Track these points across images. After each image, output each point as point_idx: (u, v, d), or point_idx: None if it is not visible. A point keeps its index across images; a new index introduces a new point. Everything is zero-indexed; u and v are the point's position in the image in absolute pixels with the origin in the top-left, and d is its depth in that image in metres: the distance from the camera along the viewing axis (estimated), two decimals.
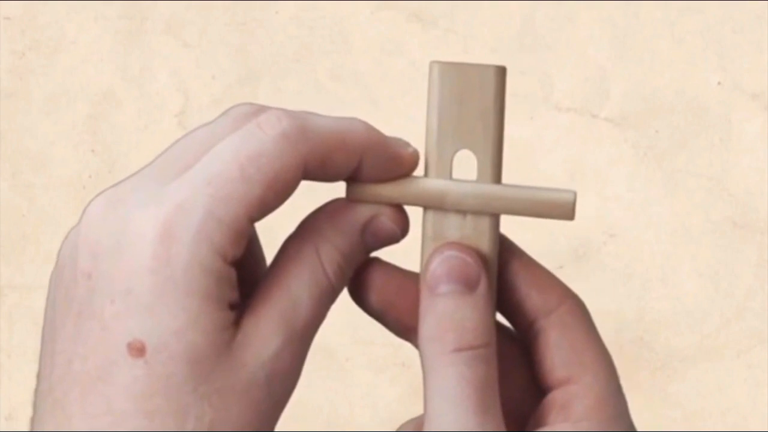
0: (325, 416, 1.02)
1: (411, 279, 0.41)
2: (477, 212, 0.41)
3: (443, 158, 0.41)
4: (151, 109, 1.06)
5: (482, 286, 0.40)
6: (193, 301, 0.36)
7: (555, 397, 0.41)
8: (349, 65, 1.05)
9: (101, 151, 1.06)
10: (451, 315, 0.39)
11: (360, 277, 0.41)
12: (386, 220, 0.40)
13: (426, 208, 0.41)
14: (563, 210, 0.41)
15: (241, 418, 0.36)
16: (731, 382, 1.01)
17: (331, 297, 0.39)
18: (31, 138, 1.06)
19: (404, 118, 1.01)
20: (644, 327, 1.02)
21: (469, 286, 0.40)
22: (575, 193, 0.41)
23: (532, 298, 0.41)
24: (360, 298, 0.41)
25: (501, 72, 0.40)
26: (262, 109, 0.39)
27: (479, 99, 0.40)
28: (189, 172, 0.38)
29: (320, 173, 0.39)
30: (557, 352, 0.41)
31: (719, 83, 1.03)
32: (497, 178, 0.41)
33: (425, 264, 0.40)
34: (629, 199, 1.03)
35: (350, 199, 0.41)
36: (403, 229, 0.40)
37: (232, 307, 0.37)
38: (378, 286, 0.41)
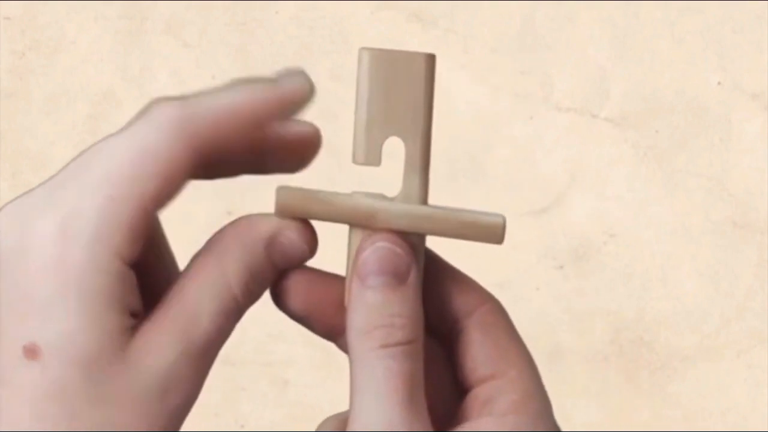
0: (325, 416, 1.02)
1: (333, 280, 0.41)
2: (406, 232, 0.40)
3: (372, 145, 0.41)
4: None
5: (412, 278, 0.40)
6: (88, 303, 0.36)
7: (478, 393, 0.41)
8: (349, 65, 1.05)
9: None
10: (381, 309, 0.39)
11: (282, 285, 0.41)
12: (291, 234, 0.40)
13: (353, 226, 0.41)
14: (492, 233, 0.40)
15: (133, 427, 0.36)
16: (731, 382, 1.01)
17: (236, 313, 0.39)
18: (31, 138, 1.06)
19: None
20: (644, 327, 1.02)
21: (399, 278, 0.40)
22: (504, 218, 0.40)
23: (453, 299, 0.41)
24: (283, 304, 0.42)
25: (430, 59, 0.40)
26: (160, 100, 0.39)
27: (409, 86, 0.40)
28: (84, 174, 0.38)
29: (219, 158, 0.39)
30: (480, 351, 0.41)
31: (719, 83, 1.03)
32: (425, 166, 0.41)
33: (355, 253, 0.40)
34: (629, 199, 1.03)
35: (277, 214, 0.40)
36: (311, 246, 0.40)
37: (132, 312, 0.37)
38: (301, 293, 0.41)
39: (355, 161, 0.41)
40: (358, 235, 0.41)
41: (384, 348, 0.39)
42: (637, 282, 1.02)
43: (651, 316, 1.02)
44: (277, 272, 0.40)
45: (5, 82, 1.07)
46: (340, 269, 0.42)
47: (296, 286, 0.41)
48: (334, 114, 1.06)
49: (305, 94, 0.41)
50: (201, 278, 0.39)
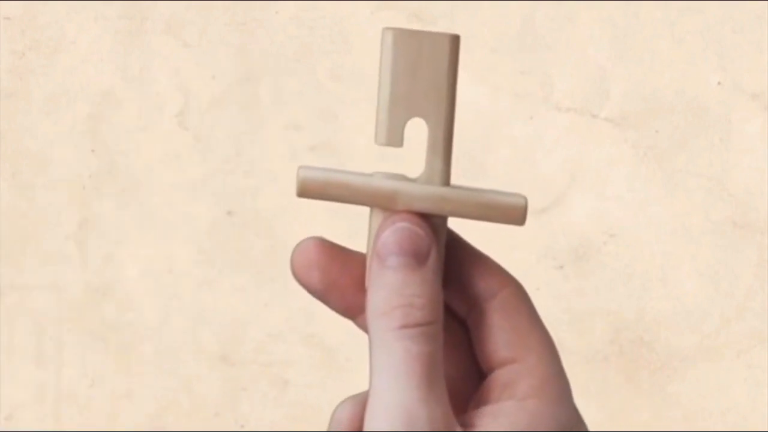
0: (325, 416, 1.02)
1: (355, 257, 0.41)
2: (427, 214, 0.40)
3: (394, 126, 0.40)
4: (151, 109, 1.06)
5: (432, 259, 0.40)
6: None
7: (498, 376, 0.41)
8: (349, 65, 1.05)
9: (101, 151, 1.06)
10: (401, 289, 0.39)
11: (302, 258, 0.41)
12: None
13: (374, 207, 0.40)
14: (514, 215, 0.40)
15: None
16: (731, 382, 1.01)
17: None
18: (31, 138, 1.06)
19: None
20: (644, 327, 1.02)
21: (419, 259, 0.39)
22: (526, 198, 0.40)
23: (475, 282, 0.41)
24: (304, 278, 0.41)
25: (455, 40, 0.40)
26: None
27: (433, 67, 0.40)
28: None
29: None
30: (501, 334, 0.41)
31: (719, 83, 1.03)
32: (448, 147, 0.40)
33: (376, 233, 0.40)
34: (629, 199, 1.03)
35: (300, 194, 0.40)
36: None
37: None
38: (322, 265, 0.41)
39: (377, 142, 0.40)
40: (379, 216, 0.40)
41: (403, 329, 0.39)
42: (637, 282, 1.02)
43: (651, 316, 1.02)
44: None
45: (5, 82, 1.07)
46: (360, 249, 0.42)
47: (317, 260, 0.41)
48: (334, 114, 1.06)
49: None
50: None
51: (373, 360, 0.39)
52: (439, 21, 1.04)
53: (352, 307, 0.41)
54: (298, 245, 0.41)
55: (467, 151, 1.03)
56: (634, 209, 1.03)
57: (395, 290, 0.39)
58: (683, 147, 1.03)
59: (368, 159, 1.03)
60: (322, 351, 1.00)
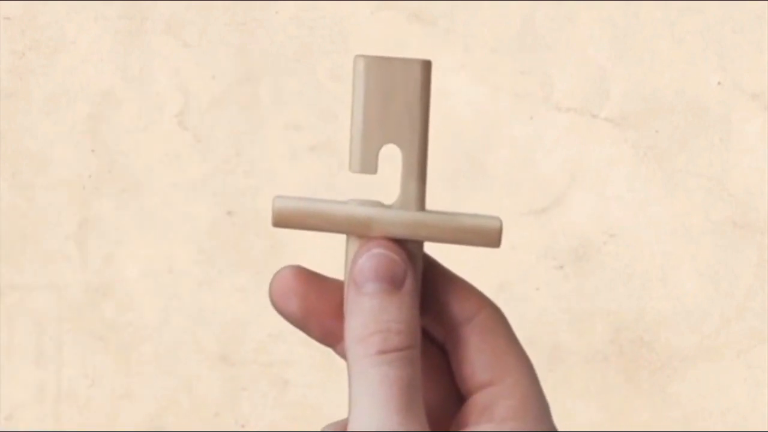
0: (325, 416, 1.02)
1: (333, 284, 0.41)
2: (403, 239, 0.40)
3: (368, 153, 0.40)
4: (151, 109, 1.06)
5: (408, 285, 0.40)
6: None
7: (477, 400, 0.41)
8: (349, 65, 1.05)
9: (101, 151, 1.06)
10: (377, 315, 0.39)
11: (280, 287, 0.41)
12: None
13: (350, 235, 0.40)
14: (490, 237, 0.40)
15: None
16: (731, 382, 1.01)
17: None
18: (31, 138, 1.06)
19: None
20: (644, 327, 1.02)
21: (395, 284, 0.40)
22: (501, 221, 0.40)
23: (451, 306, 0.41)
24: (283, 307, 0.41)
25: (426, 66, 0.40)
26: None
27: (405, 93, 0.40)
28: None
29: None
30: (479, 357, 0.41)
31: (719, 83, 1.03)
32: (422, 172, 0.40)
33: (352, 260, 0.40)
34: (629, 199, 1.03)
35: (275, 224, 0.40)
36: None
37: None
38: (300, 293, 0.41)
39: (351, 170, 0.41)
40: (355, 243, 0.40)
41: (380, 354, 0.39)
42: (637, 282, 1.02)
43: (651, 316, 1.02)
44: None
45: (5, 82, 1.07)
46: (338, 276, 0.42)
47: (295, 288, 0.41)
48: (334, 114, 1.06)
49: None
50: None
51: (352, 386, 0.39)
52: (439, 21, 1.04)
53: (331, 335, 0.42)
54: (276, 273, 0.42)
55: (467, 151, 1.03)
56: (634, 209, 1.03)
57: (372, 316, 0.39)
58: (683, 147, 1.03)
59: None
60: (322, 351, 1.00)
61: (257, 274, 1.01)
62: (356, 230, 0.40)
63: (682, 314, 1.02)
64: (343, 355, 0.41)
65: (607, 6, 1.03)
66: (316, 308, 0.41)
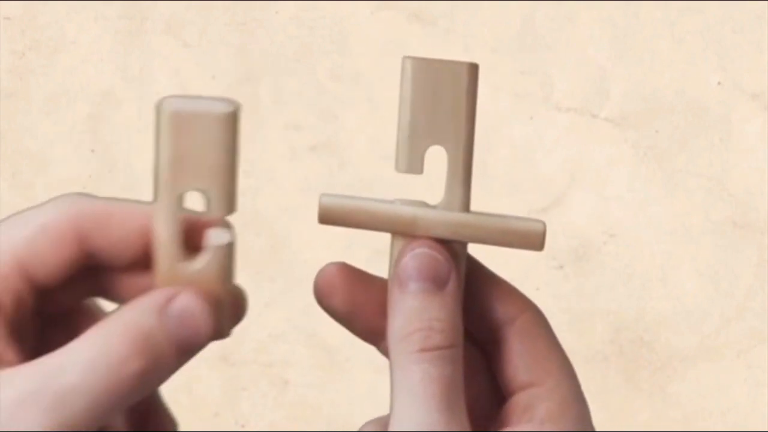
0: (325, 416, 1.02)
1: (377, 282, 0.42)
2: (446, 239, 0.40)
3: (415, 154, 0.40)
4: (151, 109, 1.06)
5: (451, 284, 0.40)
6: None
7: (518, 400, 0.41)
8: (349, 65, 1.05)
9: (101, 151, 1.06)
10: (420, 313, 0.39)
11: (327, 281, 0.41)
12: (186, 299, 0.38)
13: (395, 233, 0.41)
14: (533, 240, 0.41)
15: None
16: (731, 382, 1.01)
17: (112, 371, 0.37)
18: (31, 138, 1.06)
19: None
20: (644, 327, 1.02)
21: (438, 283, 0.40)
22: (544, 224, 0.41)
23: (494, 307, 0.42)
24: (327, 302, 0.41)
25: (473, 69, 0.41)
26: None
27: (452, 95, 0.40)
28: None
29: (104, 233, 0.39)
30: (520, 358, 0.41)
31: (719, 83, 1.03)
32: (467, 174, 0.41)
33: (396, 259, 0.40)
34: (629, 199, 1.03)
35: (321, 221, 0.40)
36: (214, 319, 0.39)
37: None
38: (345, 289, 0.41)
39: (397, 169, 0.40)
40: (400, 242, 0.41)
41: (422, 352, 0.39)
42: (637, 282, 1.02)
43: (651, 316, 1.02)
44: (177, 346, 0.38)
45: (5, 82, 1.07)
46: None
47: (340, 285, 0.41)
48: (334, 114, 1.07)
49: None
50: (83, 338, 0.37)
51: (394, 384, 0.39)
52: (440, 21, 1.04)
53: (375, 332, 0.42)
54: (321, 270, 0.41)
55: None
56: (634, 209, 1.03)
57: (415, 315, 0.39)
58: (683, 147, 1.03)
59: (368, 159, 1.04)
60: (322, 351, 1.00)
61: (257, 274, 1.01)
62: (401, 229, 0.41)
63: (682, 314, 1.02)
64: (385, 353, 0.41)
65: (607, 6, 1.03)
66: (360, 305, 0.41)
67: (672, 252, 1.02)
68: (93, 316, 0.41)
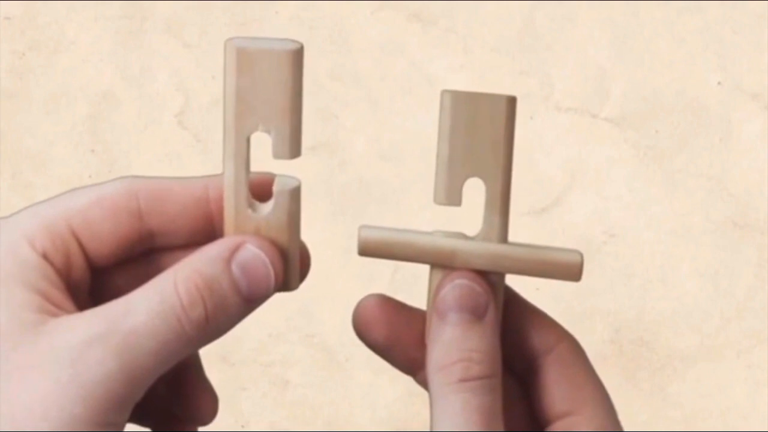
0: (325, 416, 1.02)
1: (416, 313, 0.42)
2: (485, 271, 0.41)
3: (454, 185, 0.41)
4: (151, 109, 1.06)
5: (490, 315, 0.41)
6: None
7: (555, 429, 0.42)
8: (349, 65, 1.05)
9: (101, 151, 1.06)
10: (459, 344, 0.40)
11: (367, 313, 0.42)
12: (252, 248, 0.39)
13: (434, 265, 0.41)
14: (571, 272, 0.41)
15: (44, 396, 0.36)
16: (731, 382, 1.01)
17: (177, 316, 0.38)
18: (31, 138, 1.06)
19: (404, 118, 1.01)
20: (644, 327, 1.02)
21: (477, 314, 0.40)
22: (581, 255, 0.41)
23: (531, 337, 0.42)
24: (368, 335, 0.42)
25: (512, 102, 0.41)
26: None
27: (490, 128, 0.41)
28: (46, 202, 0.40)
29: (161, 208, 0.40)
30: (558, 388, 0.42)
31: (719, 83, 1.03)
32: (506, 205, 0.41)
33: (435, 290, 0.41)
34: (629, 199, 1.03)
35: (361, 253, 0.41)
36: (277, 268, 0.40)
37: (50, 299, 0.38)
38: (386, 321, 0.42)
39: (436, 201, 0.41)
40: (439, 273, 0.41)
41: (462, 382, 0.39)
42: (637, 282, 1.02)
43: (651, 316, 1.02)
44: (242, 295, 0.39)
45: (5, 82, 1.07)
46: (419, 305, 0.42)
47: (381, 317, 0.42)
48: (334, 114, 1.07)
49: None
50: (149, 283, 0.38)
51: (434, 413, 0.40)
52: (440, 21, 1.04)
53: (414, 363, 0.42)
54: (361, 301, 0.42)
55: None
56: (634, 209, 1.03)
57: (454, 345, 0.40)
58: (683, 147, 1.03)
59: (367, 159, 1.03)
60: (322, 351, 1.00)
61: None
62: (440, 261, 0.41)
63: (682, 314, 1.02)
64: (423, 383, 0.42)
65: (607, 6, 1.03)
66: (400, 337, 0.42)
67: (672, 252, 1.02)
68: None
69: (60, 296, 0.38)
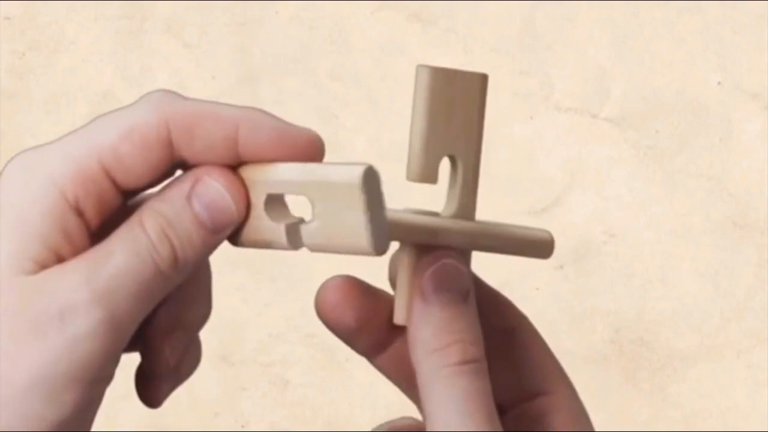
0: (325, 416, 1.02)
1: (383, 295, 0.41)
2: (463, 248, 0.40)
3: (430, 162, 0.40)
4: None
5: (472, 295, 0.40)
6: (11, 226, 0.37)
7: (528, 410, 0.41)
8: (349, 65, 1.05)
9: None
10: (450, 325, 0.39)
11: (334, 295, 0.41)
12: (212, 182, 0.39)
13: (413, 244, 0.40)
14: (543, 249, 0.41)
15: (26, 343, 0.36)
16: (731, 382, 1.01)
17: (151, 254, 0.38)
18: (31, 138, 1.06)
19: (404, 118, 1.01)
20: (644, 327, 1.02)
21: (463, 295, 0.40)
22: (551, 233, 0.41)
23: (491, 317, 0.42)
24: (335, 317, 0.41)
25: (485, 79, 0.41)
26: (164, 92, 0.40)
27: (465, 105, 0.40)
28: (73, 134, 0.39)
29: (190, 141, 0.39)
30: (524, 367, 0.42)
31: (719, 83, 1.03)
32: (476, 183, 0.40)
33: (414, 269, 0.40)
34: (629, 199, 1.03)
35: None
36: (237, 199, 0.39)
37: (58, 254, 0.37)
38: (354, 303, 0.41)
39: (409, 178, 0.40)
40: (412, 252, 0.40)
41: (461, 365, 0.39)
42: (637, 282, 1.02)
43: (651, 316, 1.02)
44: (206, 228, 0.39)
45: (5, 82, 1.07)
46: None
47: (350, 301, 0.41)
48: (334, 114, 1.06)
49: (308, 139, 0.41)
50: (120, 229, 0.38)
51: (430, 397, 0.39)
52: (440, 21, 1.04)
53: (378, 347, 0.41)
54: (326, 285, 0.41)
55: None
56: (634, 209, 1.03)
57: (445, 326, 0.39)
58: (683, 147, 1.03)
59: (367, 159, 1.03)
60: (322, 351, 1.00)
61: (257, 273, 1.01)
62: (424, 239, 0.40)
63: (682, 314, 1.02)
64: (381, 367, 0.41)
65: (607, 6, 1.03)
66: (370, 320, 0.41)
67: (672, 252, 1.02)
68: None
69: (73, 252, 0.37)
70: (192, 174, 0.39)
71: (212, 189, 0.39)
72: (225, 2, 1.06)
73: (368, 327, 0.41)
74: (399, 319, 0.40)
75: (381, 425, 0.44)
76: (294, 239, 0.39)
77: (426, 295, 0.39)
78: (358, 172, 0.36)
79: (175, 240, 0.38)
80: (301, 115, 1.04)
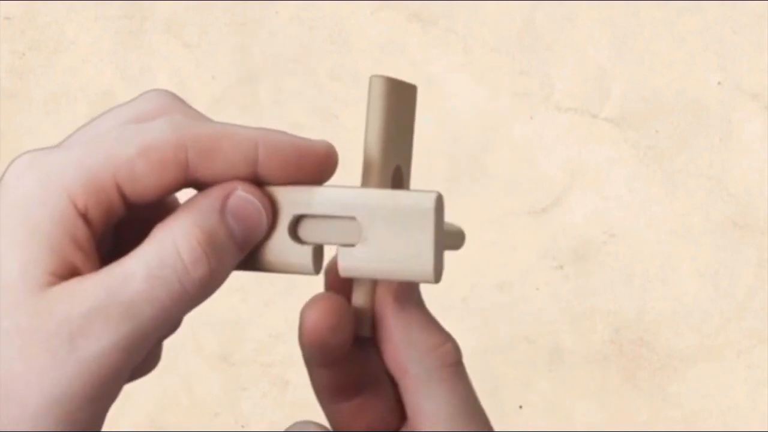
0: (325, 416, 1.02)
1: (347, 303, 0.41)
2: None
3: (385, 173, 0.40)
4: None
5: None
6: (20, 232, 0.36)
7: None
8: (349, 65, 1.05)
9: None
10: (436, 326, 0.40)
11: (331, 317, 0.40)
12: (242, 194, 0.38)
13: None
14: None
15: (38, 364, 0.35)
16: (731, 382, 1.01)
17: (179, 277, 0.36)
18: (31, 138, 1.06)
19: None
20: (644, 327, 1.02)
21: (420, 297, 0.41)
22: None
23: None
24: (335, 338, 0.40)
25: (416, 90, 0.41)
26: (173, 100, 0.39)
27: (406, 115, 0.40)
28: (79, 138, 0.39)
29: (209, 163, 0.38)
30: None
31: (719, 83, 1.03)
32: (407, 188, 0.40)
33: (381, 281, 0.40)
34: (629, 199, 1.03)
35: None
36: (267, 209, 0.38)
37: (68, 262, 0.37)
38: (347, 324, 0.40)
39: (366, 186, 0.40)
40: None
41: (458, 365, 0.39)
42: (637, 282, 1.02)
43: (651, 316, 1.02)
44: (237, 243, 0.38)
45: (5, 82, 1.07)
46: None
47: (345, 323, 0.40)
48: (334, 114, 1.06)
49: (323, 152, 0.41)
50: (145, 243, 0.37)
51: (434, 396, 0.39)
52: (440, 21, 1.04)
53: (340, 359, 0.41)
54: (315, 306, 0.39)
55: (467, 151, 1.03)
56: (634, 209, 1.03)
57: (433, 327, 0.40)
58: (683, 147, 1.03)
59: None
60: None
61: (257, 274, 1.01)
62: None
63: (682, 314, 1.02)
64: (319, 380, 0.43)
65: (607, 6, 1.03)
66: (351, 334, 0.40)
67: (672, 252, 1.02)
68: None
69: (83, 259, 0.37)
70: (220, 188, 0.38)
71: (247, 203, 0.38)
72: (225, 2, 1.06)
73: (348, 341, 0.40)
74: (366, 330, 0.40)
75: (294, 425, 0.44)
76: (318, 263, 0.38)
77: (403, 297, 0.40)
78: (431, 197, 0.36)
79: (213, 258, 0.37)
80: (301, 115, 1.04)
